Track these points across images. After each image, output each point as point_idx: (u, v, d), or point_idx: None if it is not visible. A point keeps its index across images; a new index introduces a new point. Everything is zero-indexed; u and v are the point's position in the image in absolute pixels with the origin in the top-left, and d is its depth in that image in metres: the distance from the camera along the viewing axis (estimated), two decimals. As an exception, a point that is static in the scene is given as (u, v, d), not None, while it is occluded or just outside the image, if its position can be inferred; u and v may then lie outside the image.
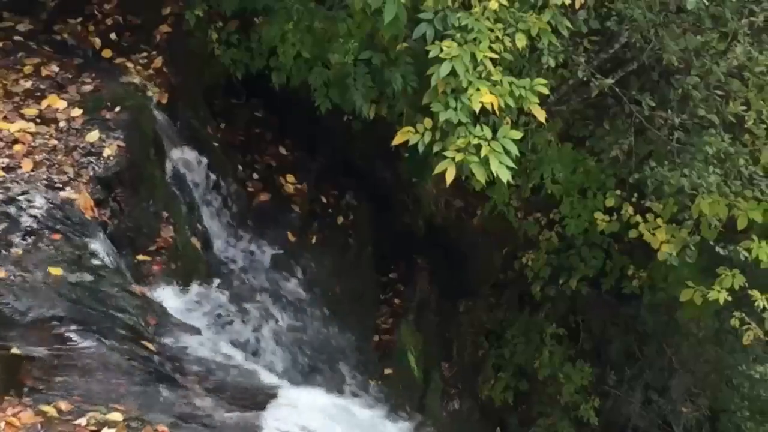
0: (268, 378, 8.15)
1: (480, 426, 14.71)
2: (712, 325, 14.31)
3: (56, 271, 7.33)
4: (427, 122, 8.40)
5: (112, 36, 9.98)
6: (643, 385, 15.46)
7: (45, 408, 6.63)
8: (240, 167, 11.15)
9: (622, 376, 15.58)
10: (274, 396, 7.72)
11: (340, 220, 11.83)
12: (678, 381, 15.29)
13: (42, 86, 9.04)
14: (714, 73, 10.78)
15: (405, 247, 13.04)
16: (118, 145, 8.48)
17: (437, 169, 8.19)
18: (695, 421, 15.55)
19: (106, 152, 8.39)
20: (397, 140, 8.61)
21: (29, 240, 7.47)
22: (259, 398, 7.67)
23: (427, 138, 8.37)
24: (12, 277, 7.12)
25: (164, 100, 9.72)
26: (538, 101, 8.52)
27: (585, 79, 10.79)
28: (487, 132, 8.20)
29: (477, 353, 15.03)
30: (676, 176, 10.67)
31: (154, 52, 10.00)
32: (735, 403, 15.82)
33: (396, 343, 12.13)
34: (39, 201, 7.70)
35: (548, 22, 8.77)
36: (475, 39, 8.27)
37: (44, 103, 8.80)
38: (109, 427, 6.52)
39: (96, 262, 7.69)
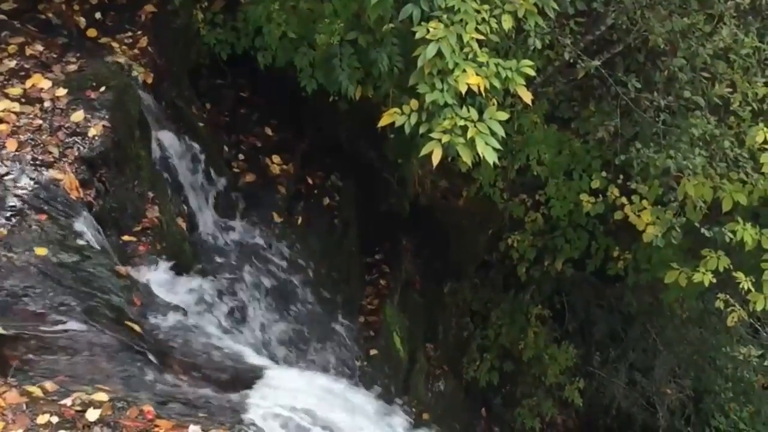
0: (253, 358, 8.16)
1: (464, 406, 14.76)
2: (696, 306, 14.39)
3: (41, 251, 7.31)
4: (414, 103, 8.36)
5: (97, 15, 9.89)
6: (627, 366, 15.55)
7: (30, 388, 6.62)
8: (225, 148, 11.14)
9: (606, 358, 15.68)
10: (259, 376, 7.73)
11: (326, 201, 11.82)
12: (662, 362, 15.37)
13: (26, 66, 8.97)
14: (700, 55, 10.80)
15: (390, 228, 13.05)
16: (103, 125, 8.43)
17: (423, 151, 8.17)
18: (679, 402, 15.66)
19: (91, 132, 8.35)
20: (384, 122, 8.58)
21: (14, 220, 7.44)
22: (244, 379, 7.68)
23: (414, 119, 8.33)
24: (-3, 257, 7.11)
25: (149, 80, 9.67)
26: (524, 83, 8.50)
27: (571, 60, 10.78)
28: (474, 113, 8.18)
29: (462, 334, 15.09)
30: (662, 158, 10.69)
31: (139, 32, 9.94)
32: (718, 384, 15.94)
33: (381, 323, 12.14)
34: (24, 181, 7.67)
35: (534, 4, 8.73)
36: (461, 20, 8.23)
37: (29, 83, 8.73)
38: (94, 408, 6.51)
39: (81, 242, 7.67)
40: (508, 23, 8.52)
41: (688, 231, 11.14)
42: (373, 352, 11.55)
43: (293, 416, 7.35)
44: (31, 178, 7.71)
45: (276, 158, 11.39)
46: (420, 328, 13.61)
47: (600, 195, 11.97)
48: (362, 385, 10.11)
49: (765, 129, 10.49)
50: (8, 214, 7.46)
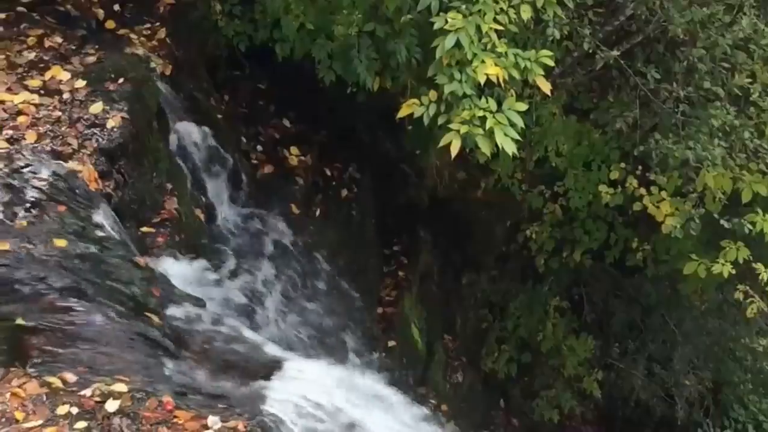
0: (272, 350, 8.16)
1: (483, 398, 14.75)
2: (715, 297, 14.33)
3: (61, 242, 7.32)
4: (432, 94, 8.35)
5: (115, 7, 9.93)
6: (646, 357, 15.50)
7: (50, 379, 6.65)
8: (243, 139, 11.15)
9: (625, 349, 15.63)
10: (278, 367, 7.74)
11: (344, 192, 11.82)
12: (681, 353, 15.31)
13: (45, 57, 9.00)
14: (720, 45, 10.75)
15: (408, 220, 13.05)
16: (122, 117, 8.44)
17: (442, 142, 8.15)
18: (698, 394, 15.60)
19: (110, 124, 8.37)
20: (402, 113, 8.57)
21: (34, 212, 7.45)
22: (263, 370, 7.69)
23: (432, 110, 8.32)
24: (16, 249, 7.11)
25: (167, 72, 9.69)
26: (543, 73, 8.48)
27: (590, 51, 10.74)
28: (492, 104, 8.17)
29: (480, 326, 15.07)
30: (681, 149, 10.66)
31: (158, 24, 9.96)
32: (738, 375, 15.90)
33: (399, 315, 12.15)
34: (43, 173, 7.67)
35: (553, -6, 8.73)
36: (479, 11, 8.21)
37: (48, 75, 8.76)
38: (114, 398, 6.55)
39: (100, 233, 7.68)
40: (526, 13, 8.49)
41: (707, 222, 11.10)
42: (391, 343, 11.56)
43: (311, 407, 7.36)
44: (50, 170, 7.72)
45: (294, 150, 11.40)
46: (438, 319, 13.60)
47: (619, 186, 11.92)
48: (380, 377, 10.10)
49: (785, 119, 10.47)
50: (28, 205, 7.47)
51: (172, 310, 7.88)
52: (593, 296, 15.42)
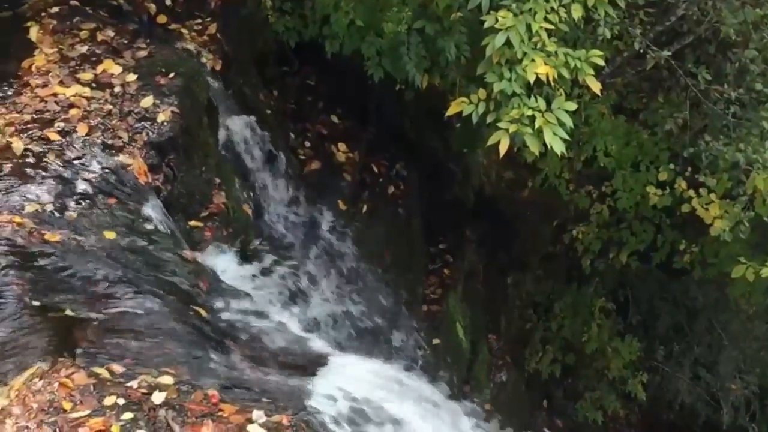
0: (317, 345, 8.20)
1: (526, 398, 14.70)
2: (763, 301, 14.18)
3: (110, 235, 7.40)
4: (481, 93, 8.32)
5: (167, 2, 9.98)
6: (692, 360, 15.39)
7: (98, 370, 6.72)
8: (292, 135, 11.17)
9: (670, 352, 15.52)
10: (323, 363, 7.77)
11: (390, 189, 11.82)
12: (727, 357, 15.19)
13: (97, 51, 9.07)
14: (772, 46, 10.68)
15: (454, 218, 13.02)
16: (172, 111, 8.50)
17: (491, 140, 8.11)
18: (744, 398, 15.46)
19: (160, 118, 8.42)
20: (451, 111, 8.54)
21: (84, 204, 7.53)
22: (308, 364, 7.73)
23: (481, 109, 8.29)
24: (66, 240, 7.19)
25: (218, 67, 9.75)
26: (593, 73, 8.43)
27: (640, 51, 10.67)
28: (542, 103, 8.11)
29: (524, 326, 15.03)
30: (731, 151, 10.57)
31: (209, 19, 10.03)
32: (785, 381, 15.72)
33: (444, 313, 12.12)
34: (94, 165, 7.76)
35: (605, -7, 8.68)
36: (530, 9, 8.17)
37: (99, 68, 8.83)
38: (160, 390, 6.60)
39: (149, 226, 7.75)
40: (577, 12, 8.44)
41: (756, 225, 11.00)
42: (435, 341, 11.53)
43: (356, 403, 7.38)
44: (100, 163, 7.80)
45: (341, 146, 11.41)
46: (482, 318, 13.57)
47: (667, 187, 11.83)
48: (425, 374, 10.11)
49: (837, 123, 10.35)
50: (78, 197, 7.55)
51: (219, 304, 7.92)
52: (639, 298, 15.34)
